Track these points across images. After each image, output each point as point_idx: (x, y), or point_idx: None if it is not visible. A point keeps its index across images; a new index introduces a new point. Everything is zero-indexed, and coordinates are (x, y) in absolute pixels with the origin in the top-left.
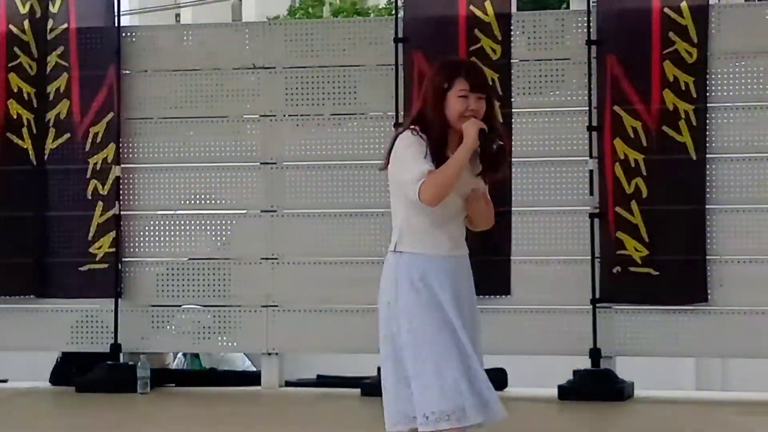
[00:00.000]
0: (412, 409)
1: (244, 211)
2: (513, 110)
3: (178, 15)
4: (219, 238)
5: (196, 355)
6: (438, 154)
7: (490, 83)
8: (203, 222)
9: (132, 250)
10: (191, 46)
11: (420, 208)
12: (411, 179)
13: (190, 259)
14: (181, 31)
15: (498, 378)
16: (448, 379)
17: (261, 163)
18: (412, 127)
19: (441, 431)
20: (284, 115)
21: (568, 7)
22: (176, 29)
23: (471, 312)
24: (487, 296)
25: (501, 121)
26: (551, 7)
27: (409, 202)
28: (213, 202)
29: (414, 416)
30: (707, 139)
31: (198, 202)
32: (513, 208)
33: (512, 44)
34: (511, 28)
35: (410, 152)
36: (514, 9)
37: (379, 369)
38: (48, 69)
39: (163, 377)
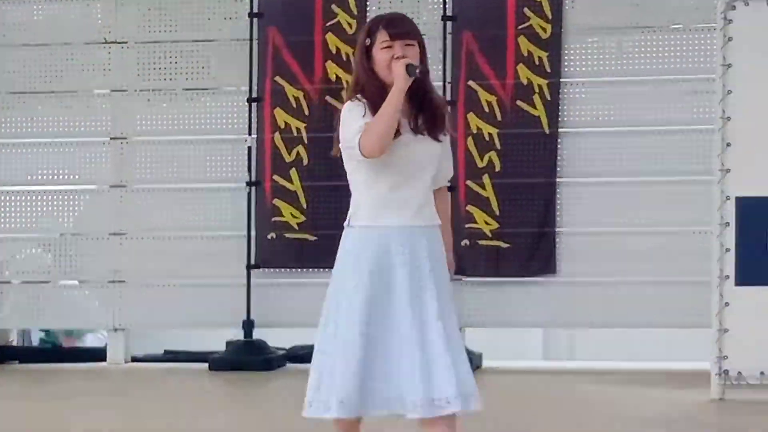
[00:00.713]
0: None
1: (93, 187)
2: None
3: None
4: (66, 214)
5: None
6: (377, 111)
7: (418, 30)
8: (50, 198)
9: None
10: (41, 20)
11: (373, 176)
12: (350, 136)
13: (37, 235)
14: (31, 6)
15: None
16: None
17: (111, 138)
18: (352, 96)
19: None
20: (135, 90)
21: None
22: (27, 3)
23: (430, 288)
24: None
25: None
26: None
27: (359, 169)
28: (62, 177)
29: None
30: (560, 113)
31: (47, 177)
32: None
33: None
34: (368, 3)
35: (348, 116)
36: None
37: (227, 343)
38: None
39: (6, 354)
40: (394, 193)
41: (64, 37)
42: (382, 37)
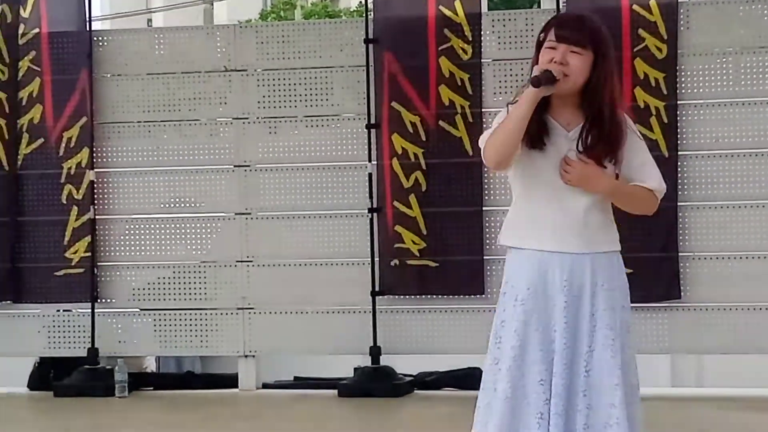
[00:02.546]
0: None
1: (219, 214)
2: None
3: (149, 20)
4: (194, 242)
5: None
6: (537, 119)
7: (598, 38)
8: (179, 225)
9: (107, 254)
10: (163, 49)
11: (518, 192)
12: (481, 143)
13: (165, 262)
14: (152, 35)
15: None
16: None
17: (235, 166)
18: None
19: None
20: (257, 118)
21: (539, 6)
22: (148, 33)
23: (594, 321)
24: None
25: (619, 91)
26: (522, 7)
27: (512, 183)
28: (187, 205)
29: None
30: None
31: (173, 205)
32: None
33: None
34: (482, 27)
35: (495, 121)
36: (485, 9)
37: (355, 369)
38: (20, 74)
39: (140, 381)
40: (539, 209)
41: (185, 66)
42: (550, 36)
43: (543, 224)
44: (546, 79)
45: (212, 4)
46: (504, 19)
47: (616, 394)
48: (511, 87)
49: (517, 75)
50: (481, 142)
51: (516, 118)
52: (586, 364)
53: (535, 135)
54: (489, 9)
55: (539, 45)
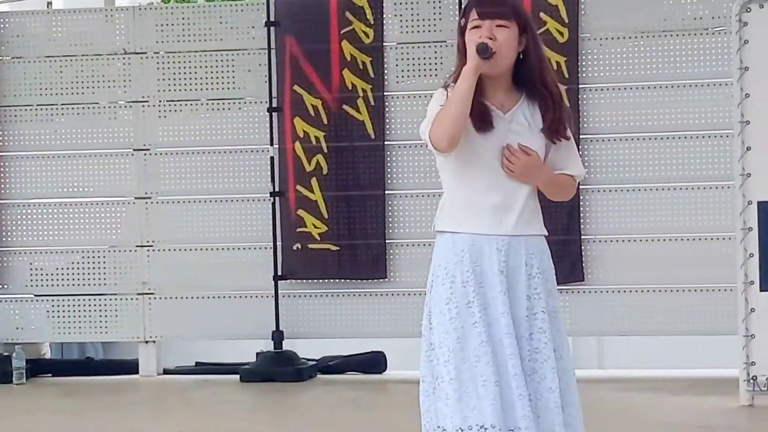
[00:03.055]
0: None
1: (118, 199)
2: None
3: (49, 2)
4: (94, 227)
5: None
6: (475, 101)
7: (520, 10)
8: (77, 210)
9: (4, 239)
10: (62, 32)
11: (453, 177)
12: (423, 128)
13: (64, 247)
14: (51, 17)
15: None
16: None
17: (134, 150)
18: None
19: None
20: (158, 101)
21: None
22: (46, 15)
23: (531, 306)
24: None
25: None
26: None
27: (443, 169)
28: (86, 189)
29: None
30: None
31: (71, 189)
32: None
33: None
34: (384, 10)
35: (430, 106)
36: None
37: (257, 354)
38: None
39: (39, 367)
40: (480, 194)
41: (84, 48)
42: (472, 16)
43: (481, 207)
44: (483, 50)
45: None
46: (407, 3)
47: (554, 379)
48: (415, 71)
49: (420, 59)
50: (423, 129)
51: (461, 94)
52: (528, 348)
53: (479, 118)
54: None
55: (462, 31)
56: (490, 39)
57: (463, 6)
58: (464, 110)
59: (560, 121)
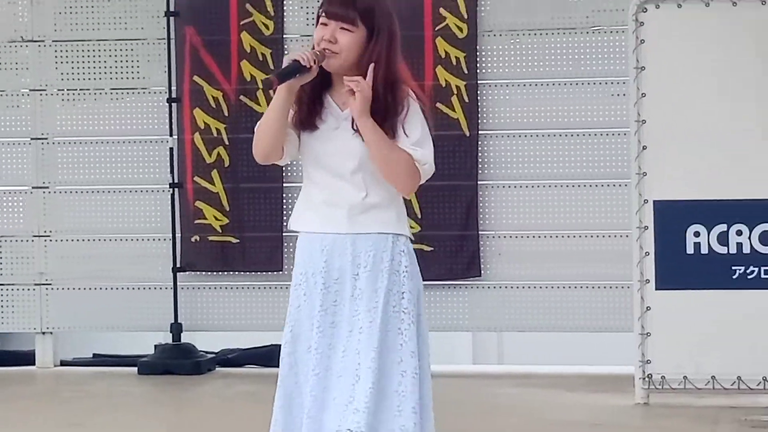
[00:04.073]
0: None
1: (15, 188)
2: None
3: None
4: None
5: None
6: (308, 101)
7: (371, 14)
8: None
9: None
10: None
11: (304, 175)
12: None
13: None
14: None
15: None
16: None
17: (32, 139)
18: None
19: None
20: (56, 90)
21: None
22: None
23: (355, 310)
24: None
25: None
26: None
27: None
28: None
29: None
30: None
31: None
32: None
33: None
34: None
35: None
36: None
37: (155, 346)
38: None
39: None
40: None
41: None
42: (322, 12)
43: (315, 205)
44: (287, 74)
45: None
46: None
47: (368, 378)
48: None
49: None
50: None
51: (271, 114)
52: (344, 349)
53: (305, 117)
54: None
55: (317, 21)
56: (330, 42)
57: None
58: (275, 130)
59: (392, 127)
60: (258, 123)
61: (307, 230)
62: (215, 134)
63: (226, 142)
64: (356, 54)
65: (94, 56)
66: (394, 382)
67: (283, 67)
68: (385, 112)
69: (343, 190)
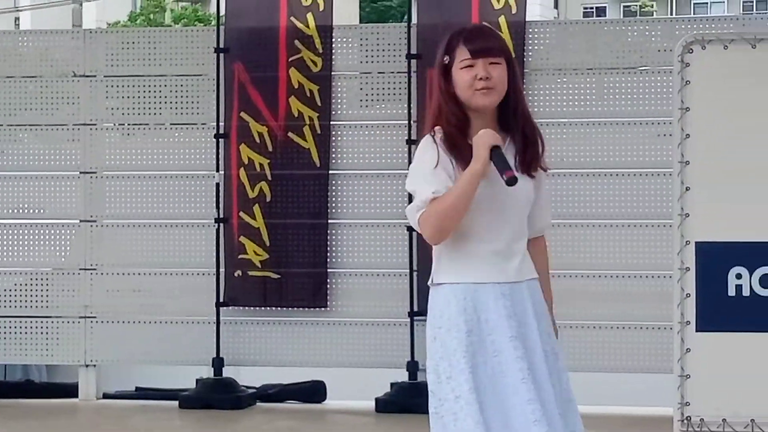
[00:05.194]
0: None
1: (63, 221)
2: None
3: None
4: (38, 249)
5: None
6: (456, 147)
7: (506, 45)
8: (22, 232)
9: None
10: (27, 51)
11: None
12: (413, 208)
13: (8, 269)
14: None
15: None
16: None
17: (81, 173)
18: (431, 128)
19: None
20: (106, 124)
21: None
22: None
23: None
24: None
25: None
26: (393, 20)
27: None
28: (31, 211)
29: None
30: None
31: (17, 211)
32: None
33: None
34: (333, 40)
35: (418, 165)
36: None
37: (197, 380)
38: None
39: None
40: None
41: (32, 70)
42: (462, 54)
43: (481, 256)
44: (512, 182)
45: (81, 5)
46: (357, 33)
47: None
48: (366, 99)
49: (372, 87)
50: (412, 212)
51: (462, 195)
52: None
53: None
54: (361, 21)
55: (446, 69)
56: (487, 79)
57: (411, 35)
58: (462, 211)
59: (536, 155)
60: (425, 200)
61: (477, 281)
62: (258, 169)
63: (269, 178)
64: (506, 88)
65: (144, 92)
66: None
67: (496, 157)
68: (523, 143)
69: (507, 239)
